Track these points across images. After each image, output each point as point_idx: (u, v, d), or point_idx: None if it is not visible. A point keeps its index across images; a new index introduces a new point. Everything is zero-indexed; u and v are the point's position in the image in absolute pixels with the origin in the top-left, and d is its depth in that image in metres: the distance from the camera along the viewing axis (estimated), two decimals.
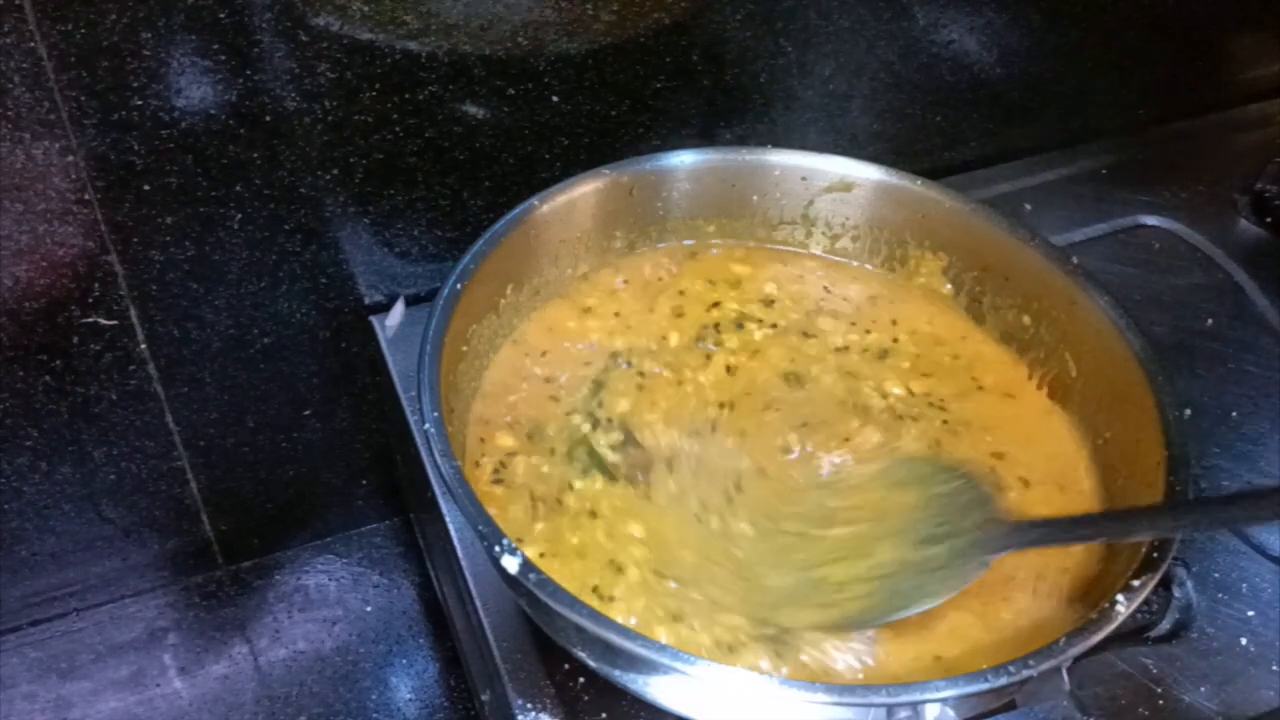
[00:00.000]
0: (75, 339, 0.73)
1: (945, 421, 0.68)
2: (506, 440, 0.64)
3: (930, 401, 0.69)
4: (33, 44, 0.62)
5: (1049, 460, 0.66)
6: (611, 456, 0.62)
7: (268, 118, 0.70)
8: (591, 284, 0.73)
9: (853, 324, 0.73)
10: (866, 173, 0.74)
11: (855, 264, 0.77)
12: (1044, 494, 0.65)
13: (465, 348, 0.65)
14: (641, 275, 0.74)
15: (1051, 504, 0.64)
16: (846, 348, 0.72)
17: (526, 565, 0.51)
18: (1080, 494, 0.65)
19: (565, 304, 0.72)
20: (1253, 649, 0.64)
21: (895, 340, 0.73)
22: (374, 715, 0.84)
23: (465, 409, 0.65)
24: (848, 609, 0.55)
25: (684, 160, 0.74)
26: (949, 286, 0.75)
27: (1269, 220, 0.91)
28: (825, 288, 0.76)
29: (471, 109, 0.75)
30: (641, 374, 0.68)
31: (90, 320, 0.73)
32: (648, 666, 0.51)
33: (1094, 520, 0.60)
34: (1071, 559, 0.61)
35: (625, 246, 0.74)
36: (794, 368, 0.69)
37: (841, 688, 0.51)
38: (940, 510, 0.58)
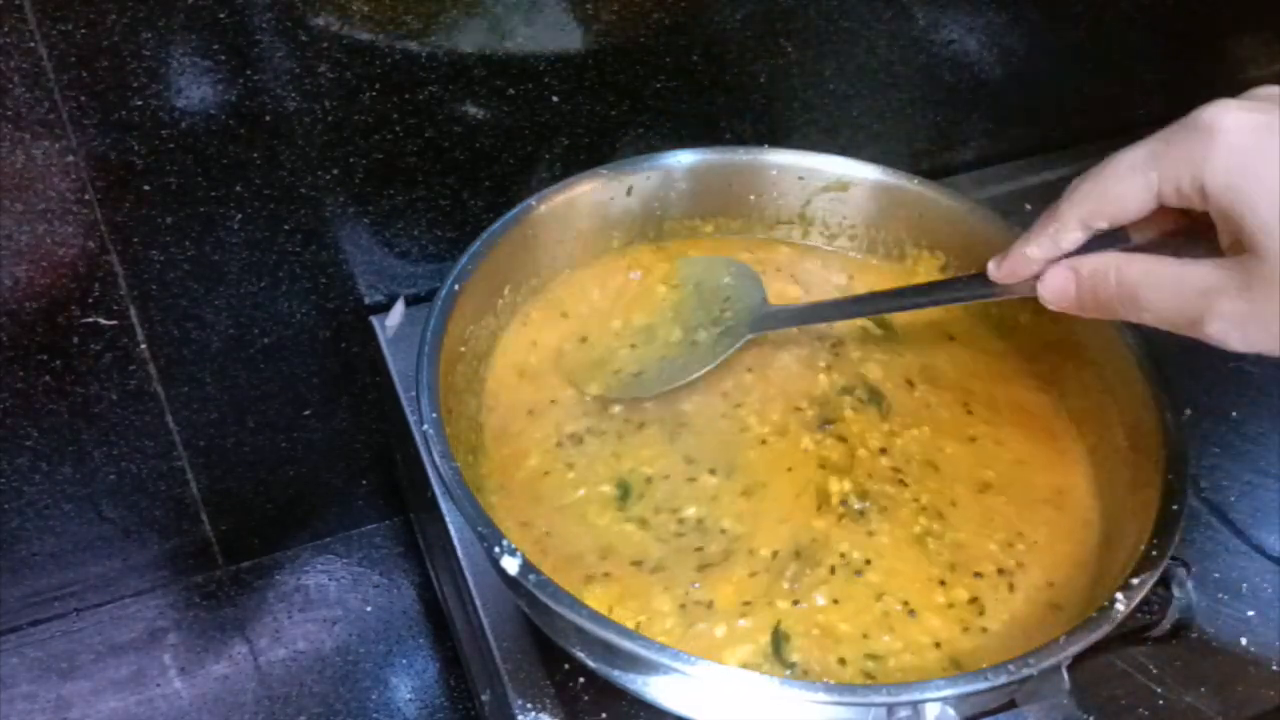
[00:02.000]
0: (75, 339, 0.73)
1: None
2: None
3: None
4: (33, 44, 0.62)
5: (1048, 452, 0.67)
6: None
7: (268, 118, 0.70)
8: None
9: None
10: (863, 172, 0.74)
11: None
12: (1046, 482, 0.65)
13: (463, 348, 0.65)
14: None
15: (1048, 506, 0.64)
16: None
17: (526, 566, 0.52)
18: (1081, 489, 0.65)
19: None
20: (1253, 649, 0.64)
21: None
22: (374, 715, 0.84)
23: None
24: (628, 383, 0.67)
25: (681, 160, 0.74)
26: None
27: None
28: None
29: (471, 109, 0.75)
30: None
31: (90, 320, 0.73)
32: (648, 666, 0.51)
33: (836, 303, 0.70)
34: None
35: (622, 246, 0.74)
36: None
37: (842, 687, 0.51)
38: (714, 300, 0.69)
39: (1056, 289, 0.54)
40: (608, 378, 0.68)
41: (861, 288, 0.75)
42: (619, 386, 0.67)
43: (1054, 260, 0.55)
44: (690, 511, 0.62)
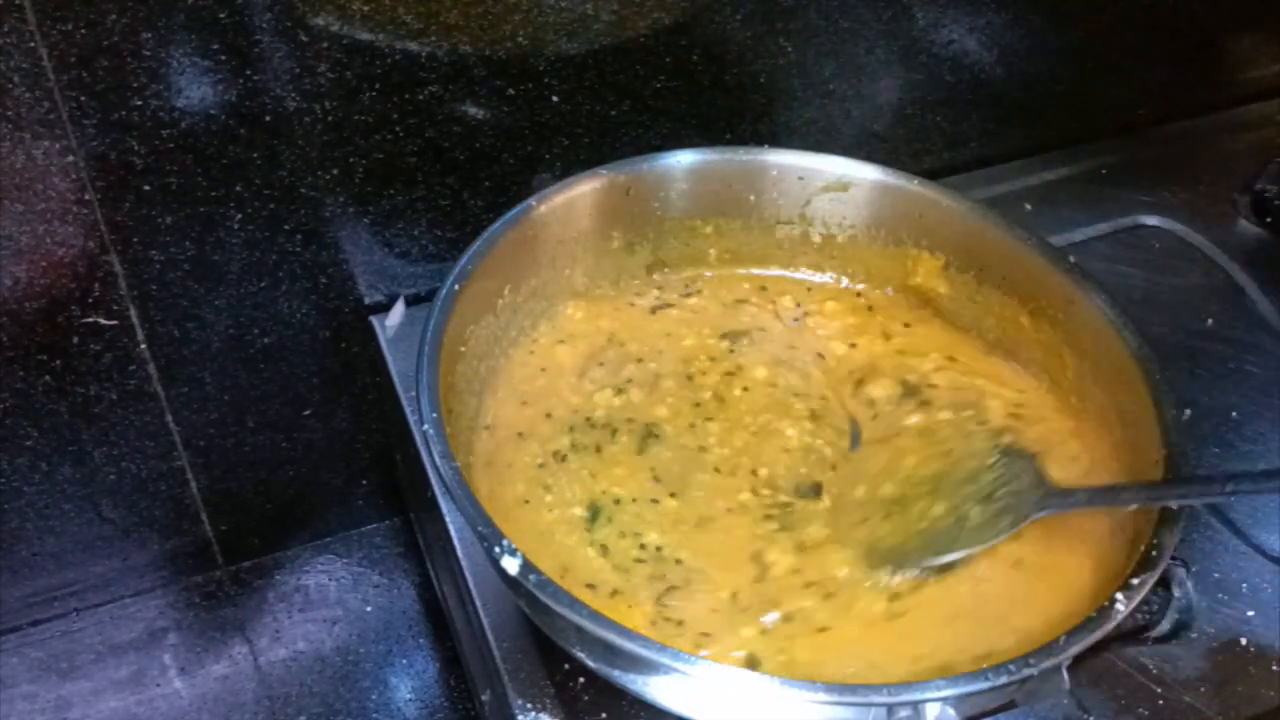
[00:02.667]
0: (75, 339, 0.73)
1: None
2: None
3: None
4: (33, 44, 0.62)
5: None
6: None
7: (268, 118, 0.70)
8: None
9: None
10: (863, 172, 0.74)
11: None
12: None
13: (463, 348, 0.65)
14: None
15: None
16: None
17: (526, 566, 0.52)
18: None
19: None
20: (1253, 649, 0.64)
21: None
22: (374, 715, 0.84)
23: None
24: (882, 550, 0.62)
25: (680, 160, 0.74)
26: (946, 286, 0.75)
27: (1269, 220, 0.91)
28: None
29: (471, 109, 0.75)
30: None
31: (90, 320, 0.73)
32: (647, 666, 0.51)
33: (1126, 488, 0.62)
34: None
35: (622, 248, 0.74)
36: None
37: (842, 687, 0.51)
38: (981, 475, 0.64)
39: None
40: (864, 547, 0.63)
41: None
42: (879, 557, 0.62)
43: None
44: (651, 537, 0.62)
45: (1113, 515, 0.62)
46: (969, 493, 0.63)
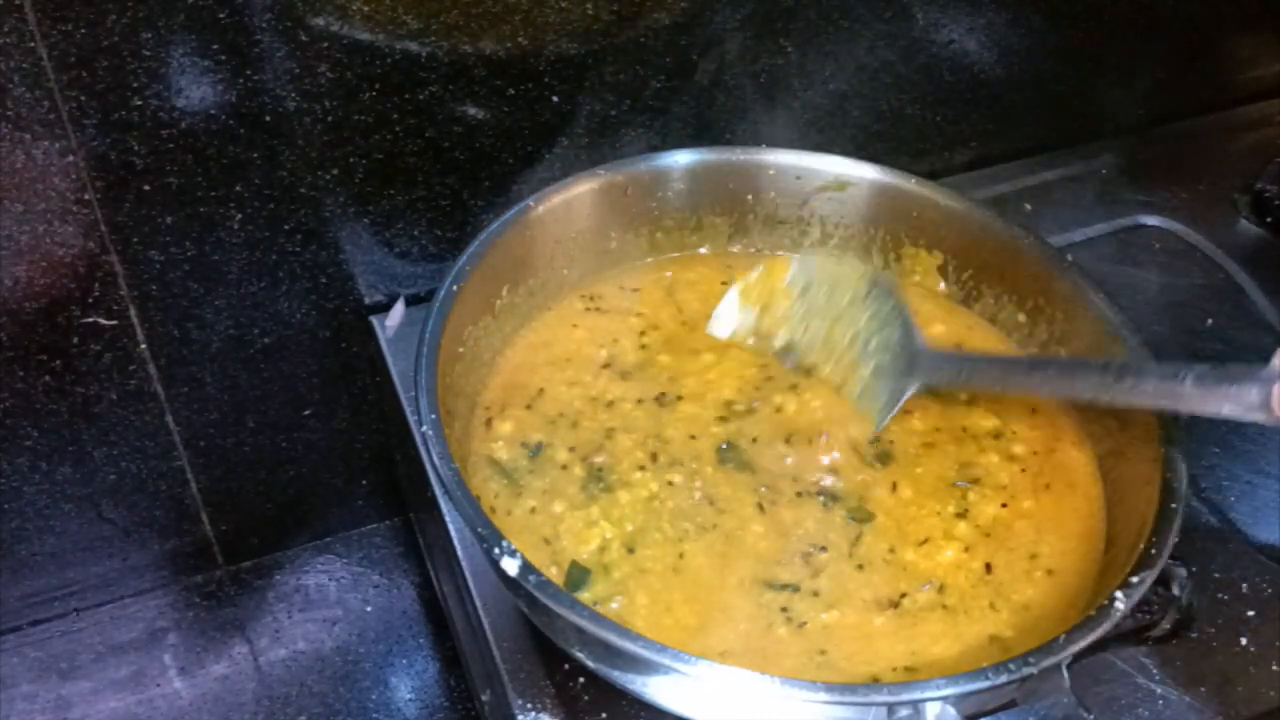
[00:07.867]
0: (75, 339, 0.73)
1: (965, 429, 0.68)
2: None
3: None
4: (33, 44, 0.62)
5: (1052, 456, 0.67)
6: None
7: (268, 118, 0.70)
8: None
9: None
10: (861, 171, 0.74)
11: None
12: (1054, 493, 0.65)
13: (462, 349, 0.65)
14: None
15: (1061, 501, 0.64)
16: None
17: (526, 567, 0.52)
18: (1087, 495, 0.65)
19: None
20: (1253, 649, 0.64)
21: None
22: (374, 715, 0.84)
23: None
24: None
25: (679, 160, 0.74)
26: (944, 285, 0.75)
27: (1269, 220, 0.91)
28: None
29: (471, 109, 0.75)
30: None
31: (90, 320, 0.73)
32: (647, 667, 0.51)
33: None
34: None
35: (619, 248, 0.74)
36: None
37: (842, 687, 0.51)
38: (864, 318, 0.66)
39: None
40: None
41: None
42: None
43: None
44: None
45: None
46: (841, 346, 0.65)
